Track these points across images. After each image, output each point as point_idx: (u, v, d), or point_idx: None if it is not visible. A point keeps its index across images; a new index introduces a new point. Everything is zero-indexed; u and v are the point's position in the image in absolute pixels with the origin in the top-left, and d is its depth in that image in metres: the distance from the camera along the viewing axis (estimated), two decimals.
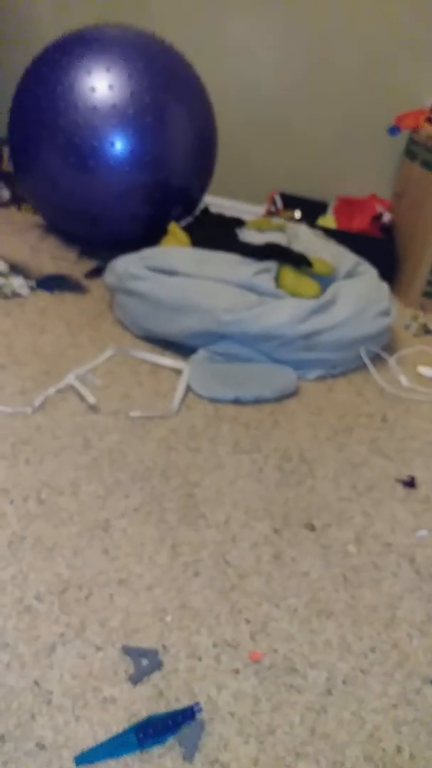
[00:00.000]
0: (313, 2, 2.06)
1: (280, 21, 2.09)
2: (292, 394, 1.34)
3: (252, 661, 0.79)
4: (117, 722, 0.70)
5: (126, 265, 1.43)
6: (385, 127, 2.11)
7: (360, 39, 2.10)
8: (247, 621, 0.84)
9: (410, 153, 2.14)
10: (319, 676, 0.79)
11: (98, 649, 0.77)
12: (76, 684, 0.73)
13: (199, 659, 0.78)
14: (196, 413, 1.24)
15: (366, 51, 2.11)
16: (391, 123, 2.10)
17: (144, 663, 0.76)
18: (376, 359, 1.52)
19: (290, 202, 2.10)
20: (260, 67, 2.15)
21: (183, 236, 1.54)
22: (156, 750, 0.68)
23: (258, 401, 1.29)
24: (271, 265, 1.47)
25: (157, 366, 1.37)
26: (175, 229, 1.57)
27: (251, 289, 1.40)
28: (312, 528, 1.02)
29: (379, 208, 2.09)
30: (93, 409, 1.19)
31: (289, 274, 1.47)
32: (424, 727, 0.76)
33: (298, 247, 1.59)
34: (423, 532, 1.06)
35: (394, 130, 2.11)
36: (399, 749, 0.73)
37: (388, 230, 2.06)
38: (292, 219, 1.84)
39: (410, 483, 1.16)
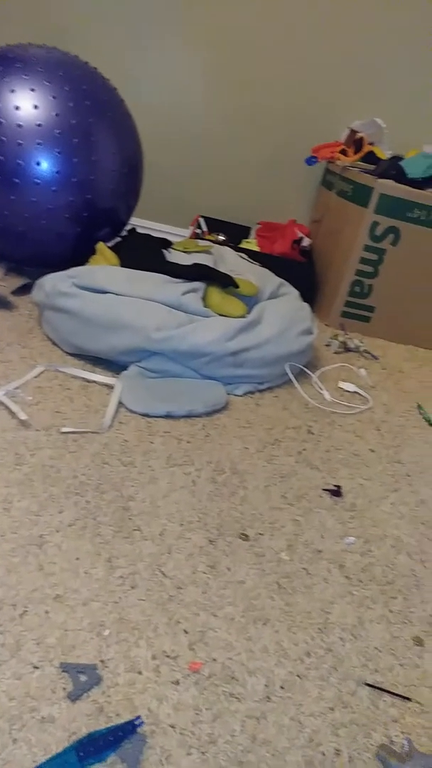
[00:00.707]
0: (237, 32, 2.15)
1: (205, 49, 2.16)
2: (222, 408, 1.37)
3: (191, 672, 0.79)
4: (57, 742, 0.68)
5: (54, 283, 1.41)
6: (303, 157, 2.22)
7: (282, 72, 2.20)
8: (186, 632, 0.84)
9: (327, 182, 2.25)
10: (257, 683, 0.80)
11: (35, 667, 0.75)
12: (12, 705, 0.70)
13: (139, 672, 0.78)
14: (128, 428, 1.23)
15: (287, 85, 2.22)
16: (308, 154, 2.21)
17: (83, 679, 0.74)
18: (300, 375, 1.57)
19: (214, 225, 2.15)
20: (185, 94, 2.21)
21: (111, 256, 1.55)
22: (98, 767, 0.67)
23: (189, 416, 1.31)
24: (199, 285, 1.50)
25: (87, 382, 1.36)
26: (103, 248, 1.58)
27: (180, 308, 1.42)
28: (245, 537, 1.03)
29: (298, 233, 2.18)
30: (24, 425, 1.16)
31: (216, 294, 1.50)
32: (360, 729, 0.78)
33: (224, 268, 1.63)
34: (350, 539, 1.10)
35: (311, 161, 2.22)
36: (338, 752, 0.75)
37: (307, 254, 2.15)
38: (216, 242, 1.88)
39: (337, 492, 1.20)
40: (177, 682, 0.77)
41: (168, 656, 0.80)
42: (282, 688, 0.80)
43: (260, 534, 1.05)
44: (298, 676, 0.83)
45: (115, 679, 0.76)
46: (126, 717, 0.72)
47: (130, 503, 1.04)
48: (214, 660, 0.81)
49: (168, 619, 0.85)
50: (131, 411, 1.28)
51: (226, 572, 0.96)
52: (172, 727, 0.73)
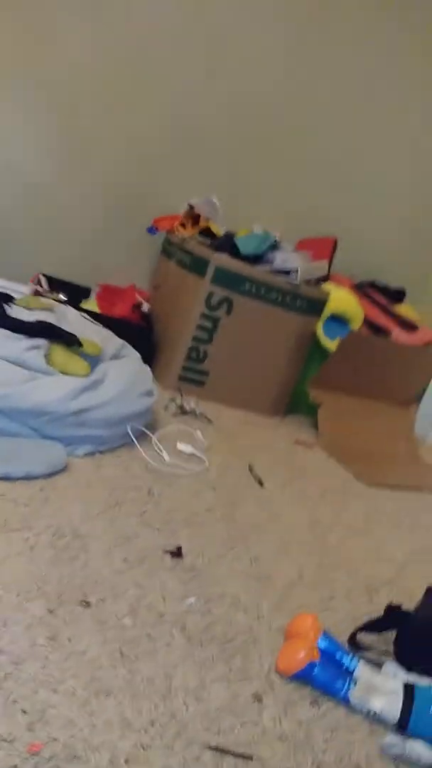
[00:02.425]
0: (83, 97, 2.21)
1: (42, 107, 2.17)
2: (62, 470, 1.33)
3: (31, 754, 0.74)
4: None
5: None
6: (144, 225, 2.31)
7: (126, 145, 2.30)
8: (24, 711, 0.79)
9: (166, 251, 2.36)
10: (101, 758, 0.77)
11: None
12: None
13: None
14: None
15: (129, 156, 2.31)
16: (150, 223, 2.31)
17: None
18: (141, 437, 1.59)
19: (55, 284, 2.14)
20: (26, 148, 2.20)
21: None
22: None
23: (27, 478, 1.25)
24: (42, 342, 1.47)
25: None
26: None
27: (22, 364, 1.38)
28: (87, 604, 1.00)
29: (138, 298, 2.23)
30: None
31: (60, 353, 1.49)
32: None
33: (67, 327, 1.62)
34: (191, 600, 1.11)
35: (152, 230, 2.32)
36: None
37: (146, 318, 2.21)
38: (58, 301, 1.87)
39: (177, 553, 1.21)
40: (18, 766, 0.71)
41: (4, 740, 0.74)
42: (126, 762, 0.78)
43: (102, 600, 1.02)
44: (142, 747, 0.81)
45: None
46: None
47: None
48: (55, 739, 0.77)
49: (4, 699, 0.79)
50: None
51: (67, 643, 0.91)
52: None
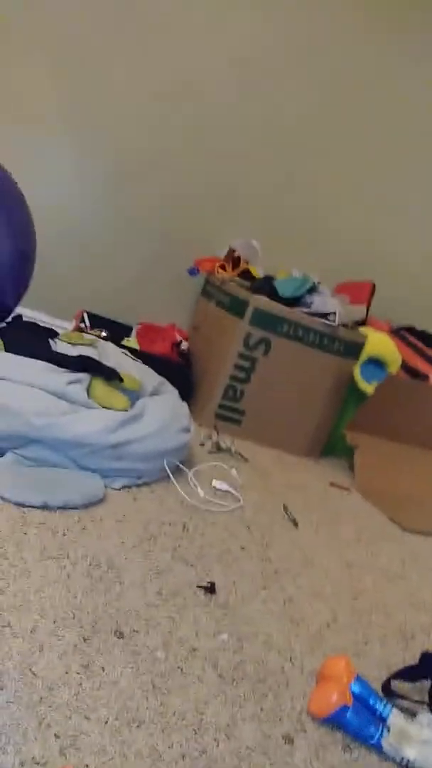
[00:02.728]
0: (130, 144, 2.32)
1: (89, 152, 2.29)
2: (100, 501, 1.36)
3: None
4: None
5: None
6: (186, 266, 2.38)
7: (167, 186, 2.39)
8: (57, 736, 0.79)
9: (206, 293, 2.42)
10: None
11: None
12: None
13: None
14: (1, 517, 1.18)
15: (172, 199, 2.41)
16: (191, 265, 2.38)
17: None
18: (177, 472, 1.61)
19: (97, 321, 2.21)
20: (78, 195, 2.31)
21: None
22: None
23: (65, 507, 1.28)
24: (83, 376, 1.52)
25: None
26: None
27: (63, 396, 1.42)
28: (120, 635, 1.01)
29: (178, 337, 2.29)
30: None
31: (101, 387, 1.53)
32: None
33: (107, 362, 1.66)
34: (224, 636, 1.11)
35: (193, 271, 2.39)
36: None
37: (185, 356, 2.26)
38: (100, 337, 1.93)
39: (210, 589, 1.22)
40: None
41: (37, 763, 0.75)
42: None
43: (135, 631, 1.03)
44: None
45: None
46: None
47: (0, 597, 0.98)
48: (87, 766, 0.77)
49: (38, 723, 0.80)
50: (5, 499, 1.23)
51: (100, 672, 0.92)
52: None
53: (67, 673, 0.89)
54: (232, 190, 2.47)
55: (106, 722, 0.84)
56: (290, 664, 1.10)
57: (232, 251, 2.35)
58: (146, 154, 2.34)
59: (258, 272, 2.33)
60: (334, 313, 2.17)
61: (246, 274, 2.32)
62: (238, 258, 2.33)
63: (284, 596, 1.30)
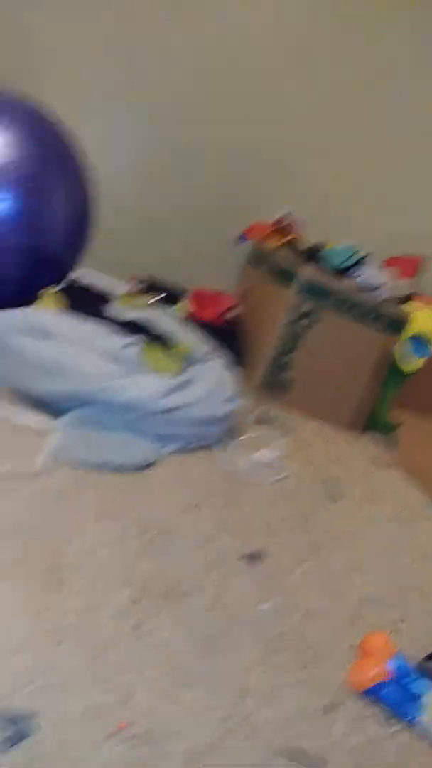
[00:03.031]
0: (180, 110, 2.29)
1: (144, 120, 2.28)
2: (151, 466, 1.39)
3: (118, 730, 0.79)
4: None
5: None
6: (236, 234, 2.36)
7: (222, 152, 2.36)
8: (111, 690, 0.84)
9: (255, 261, 2.39)
10: (176, 746, 0.81)
11: None
12: None
13: (68, 726, 0.76)
14: (59, 476, 1.22)
15: (224, 167, 2.38)
16: (241, 232, 2.35)
17: (13, 729, 0.72)
18: (222, 440, 1.62)
19: (152, 286, 2.21)
20: (128, 162, 2.32)
21: (57, 301, 1.55)
22: None
23: (119, 470, 1.31)
24: (137, 340, 1.53)
25: (23, 425, 1.33)
26: (49, 294, 1.58)
27: (118, 360, 1.44)
28: (169, 599, 1.05)
29: (227, 304, 2.28)
30: None
31: (153, 352, 1.54)
32: None
33: (160, 327, 1.68)
34: (266, 605, 1.13)
35: (242, 239, 2.36)
36: None
37: (234, 325, 2.25)
38: (154, 302, 1.94)
39: (255, 558, 1.24)
40: (104, 740, 0.76)
41: (96, 713, 0.79)
42: (201, 753, 0.81)
43: (182, 595, 1.07)
44: (215, 741, 0.84)
45: (45, 732, 0.74)
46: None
47: (58, 554, 1.02)
48: (136, 722, 0.81)
49: (94, 677, 0.84)
50: (63, 459, 1.27)
51: (149, 633, 0.96)
52: None
53: (118, 632, 0.93)
54: (284, 158, 2.42)
55: (156, 680, 0.88)
56: (331, 637, 1.13)
57: (280, 220, 2.32)
58: (199, 121, 2.31)
59: (307, 242, 2.30)
60: (382, 287, 2.13)
61: (295, 244, 2.29)
62: (287, 227, 2.30)
63: (325, 569, 1.33)
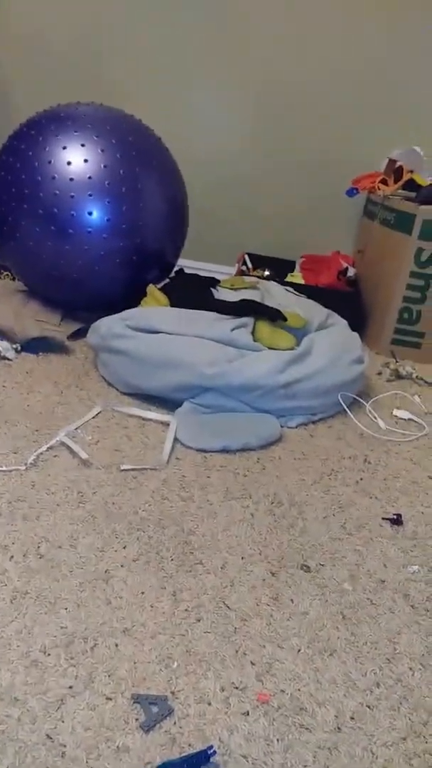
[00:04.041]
0: (273, 73, 2.23)
1: (243, 92, 2.25)
2: (277, 441, 1.39)
3: (260, 703, 0.80)
4: None
5: (109, 326, 1.48)
6: (344, 188, 2.25)
7: (318, 108, 2.27)
8: (252, 663, 0.85)
9: (368, 212, 2.27)
10: (327, 713, 0.80)
11: (108, 699, 0.77)
12: (88, 735, 0.72)
13: (209, 704, 0.79)
14: (185, 464, 1.26)
15: (324, 119, 2.28)
16: (349, 185, 2.24)
17: (154, 710, 0.76)
18: (353, 405, 1.57)
19: (259, 261, 2.20)
20: (224, 137, 2.30)
21: (161, 297, 1.60)
22: None
23: (244, 449, 1.33)
24: (247, 320, 1.54)
25: (144, 420, 1.40)
26: (153, 290, 1.64)
27: (230, 343, 1.45)
28: (307, 569, 1.04)
29: (343, 264, 2.20)
30: (85, 464, 1.21)
31: (265, 328, 1.54)
32: None
33: (271, 302, 1.66)
34: (414, 568, 1.08)
35: (351, 192, 2.25)
36: None
37: (353, 284, 2.17)
38: (262, 277, 1.93)
39: (397, 521, 1.19)
40: (247, 713, 0.78)
41: (236, 688, 0.81)
42: (352, 718, 0.80)
43: (321, 565, 1.05)
44: (368, 706, 0.82)
45: (186, 710, 0.77)
46: (198, 747, 0.73)
47: (191, 537, 1.06)
48: (282, 691, 0.82)
49: (234, 651, 0.86)
50: (187, 447, 1.31)
51: (289, 604, 0.96)
52: (245, 757, 0.73)
53: (257, 605, 0.95)
54: (383, 93, 2.27)
55: (299, 651, 0.88)
56: None
57: (392, 162, 2.17)
58: (289, 85, 2.24)
59: (425, 180, 2.13)
60: None
61: (411, 185, 2.14)
62: (401, 168, 2.15)
63: None
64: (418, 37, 2.21)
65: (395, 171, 2.16)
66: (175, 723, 0.75)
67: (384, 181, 2.17)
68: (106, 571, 0.96)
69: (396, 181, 2.15)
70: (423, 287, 1.99)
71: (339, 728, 0.78)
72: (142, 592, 0.93)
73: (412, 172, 2.13)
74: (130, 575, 0.96)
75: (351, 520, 1.18)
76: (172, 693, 0.79)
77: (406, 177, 2.13)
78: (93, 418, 1.38)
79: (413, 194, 2.09)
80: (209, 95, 2.26)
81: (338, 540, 1.12)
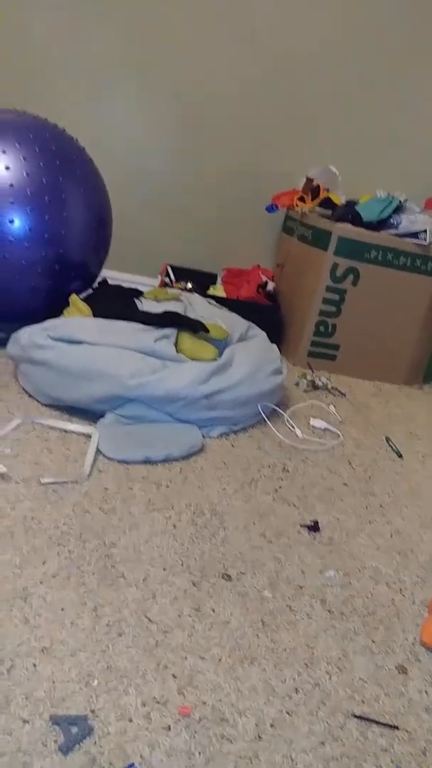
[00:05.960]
0: (196, 88, 2.26)
1: (166, 105, 2.26)
2: (199, 451, 1.40)
3: (182, 716, 0.80)
4: None
5: (30, 336, 1.44)
6: (264, 204, 2.31)
7: (240, 126, 2.32)
8: (174, 676, 0.85)
9: (287, 228, 2.35)
10: (248, 722, 0.81)
11: (25, 722, 0.75)
12: (3, 762, 0.70)
13: (130, 720, 0.78)
14: (107, 476, 1.25)
15: (243, 135, 2.33)
16: (269, 201, 2.31)
17: (74, 731, 0.74)
18: (273, 415, 1.61)
19: (182, 274, 2.22)
20: (147, 148, 2.30)
21: (84, 307, 1.58)
22: None
23: (167, 460, 1.33)
24: (170, 331, 1.54)
25: (65, 432, 1.37)
26: (76, 300, 1.61)
27: (153, 354, 1.45)
28: (228, 578, 1.05)
29: (263, 278, 2.25)
30: (3, 477, 1.17)
31: (188, 340, 1.55)
32: (351, 760, 0.80)
33: (193, 314, 1.68)
34: (330, 573, 1.12)
35: (271, 208, 2.32)
36: None
37: (273, 297, 2.22)
38: (185, 289, 1.94)
39: (314, 527, 1.23)
40: (168, 728, 0.78)
41: (158, 702, 0.81)
42: (272, 726, 0.81)
43: (242, 573, 1.07)
44: (287, 713, 0.84)
45: (107, 728, 0.76)
46: (119, 766, 0.72)
47: (113, 550, 1.05)
48: (204, 703, 0.82)
49: (156, 665, 0.86)
50: (109, 458, 1.30)
51: (211, 613, 0.97)
52: None
53: (179, 616, 0.95)
54: (302, 116, 2.35)
55: (220, 660, 0.89)
56: (400, 596, 1.10)
57: (309, 180, 2.25)
58: (211, 100, 2.28)
59: (340, 199, 2.23)
60: (425, 231, 2.04)
61: (328, 203, 2.22)
62: (317, 187, 2.23)
63: (391, 529, 1.29)
64: (335, 67, 2.31)
65: (313, 189, 2.24)
66: (95, 742, 0.74)
67: (302, 199, 2.25)
68: (24, 589, 0.93)
69: (313, 199, 2.23)
70: (338, 301, 2.07)
71: (259, 737, 0.80)
72: (62, 609, 0.91)
73: (328, 190, 2.22)
74: (50, 592, 0.94)
75: (270, 528, 1.21)
76: (93, 711, 0.78)
77: (322, 195, 2.22)
78: (12, 430, 1.34)
79: (329, 212, 2.18)
80: (131, 107, 2.26)
81: (258, 548, 1.14)
